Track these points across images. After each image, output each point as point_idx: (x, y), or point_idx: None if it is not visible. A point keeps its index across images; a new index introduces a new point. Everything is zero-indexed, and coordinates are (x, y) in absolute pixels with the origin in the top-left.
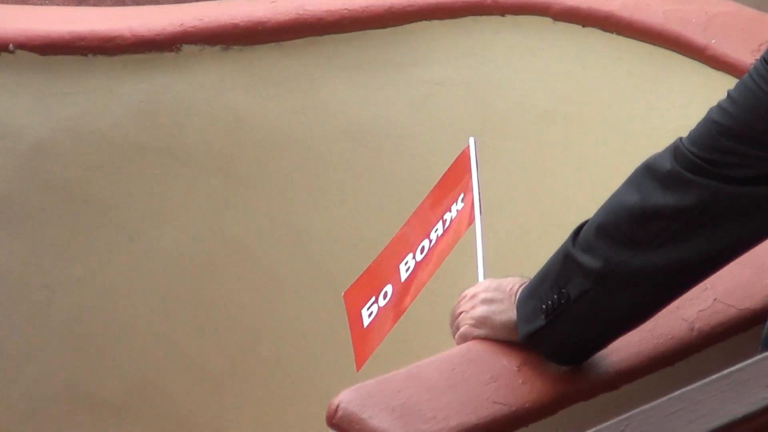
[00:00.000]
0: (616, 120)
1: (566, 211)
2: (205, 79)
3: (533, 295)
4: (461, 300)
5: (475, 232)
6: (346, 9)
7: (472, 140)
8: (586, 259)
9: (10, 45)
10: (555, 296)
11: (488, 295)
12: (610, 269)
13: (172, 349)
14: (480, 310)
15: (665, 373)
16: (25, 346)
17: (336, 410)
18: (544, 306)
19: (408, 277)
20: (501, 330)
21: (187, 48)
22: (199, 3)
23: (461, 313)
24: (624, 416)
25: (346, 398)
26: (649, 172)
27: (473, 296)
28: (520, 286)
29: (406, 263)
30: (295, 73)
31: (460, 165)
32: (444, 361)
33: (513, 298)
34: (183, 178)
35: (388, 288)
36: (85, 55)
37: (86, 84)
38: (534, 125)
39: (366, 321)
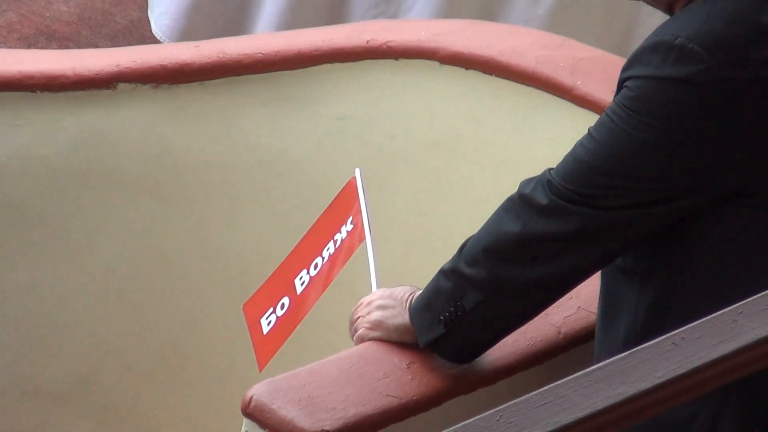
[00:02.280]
0: (493, 151)
1: (449, 230)
2: (138, 113)
3: (429, 308)
4: (358, 306)
5: (367, 248)
6: (260, 53)
7: (357, 171)
8: (478, 276)
9: None
10: (451, 308)
11: (382, 302)
12: (501, 283)
13: (108, 347)
14: (375, 315)
15: (535, 371)
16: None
17: (249, 401)
18: (441, 317)
19: (303, 290)
20: (393, 332)
21: (122, 86)
22: (133, 47)
23: (359, 318)
24: (499, 408)
25: (258, 391)
26: (526, 203)
27: (369, 303)
28: (410, 295)
29: (301, 278)
30: (215, 108)
31: (348, 192)
32: (343, 360)
33: (404, 304)
34: (118, 199)
35: (285, 300)
36: (34, 91)
37: (35, 117)
38: (422, 154)
39: (265, 329)
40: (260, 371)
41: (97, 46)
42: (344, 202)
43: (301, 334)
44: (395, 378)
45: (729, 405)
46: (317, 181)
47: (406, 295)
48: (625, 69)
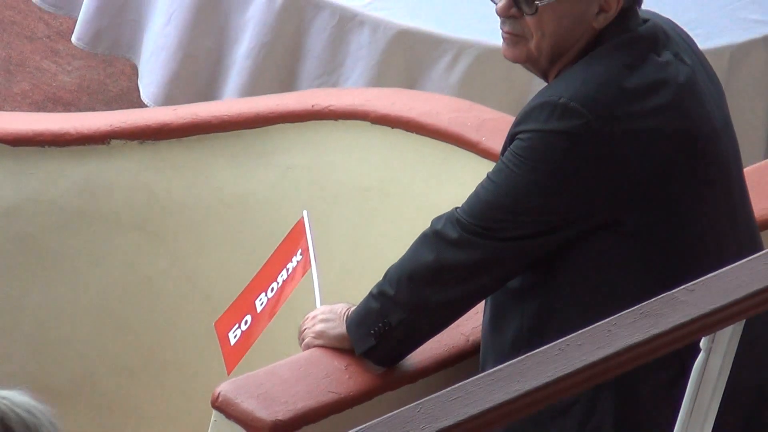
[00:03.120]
0: (414, 194)
1: (378, 258)
2: (128, 164)
3: (362, 323)
4: (305, 320)
5: (312, 274)
6: (226, 115)
7: (305, 213)
8: (401, 298)
9: None
10: (380, 324)
11: (324, 316)
12: (420, 304)
13: (102, 353)
14: (319, 327)
15: (449, 372)
16: (1, 344)
17: (218, 397)
18: (372, 331)
19: (262, 309)
20: (334, 340)
21: (114, 142)
22: (123, 110)
23: (305, 329)
24: (419, 402)
25: (224, 388)
26: (439, 237)
27: (314, 317)
28: (347, 310)
29: (260, 299)
30: (190, 160)
31: (298, 230)
32: (293, 363)
33: (342, 318)
34: (112, 234)
35: (248, 317)
36: (43, 146)
37: (44, 167)
38: (357, 197)
39: (232, 341)
40: (228, 374)
41: (94, 110)
42: (294, 238)
43: (260, 343)
44: (335, 377)
45: (602, 391)
46: (273, 218)
47: (344, 310)
48: (516, 124)
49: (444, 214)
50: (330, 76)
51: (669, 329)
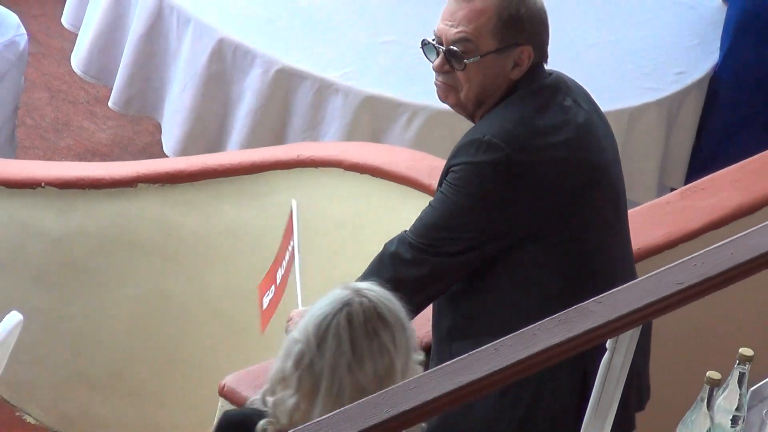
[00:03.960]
0: (378, 226)
1: (350, 277)
2: (151, 203)
3: None
4: (290, 318)
5: (295, 273)
6: (229, 163)
7: (294, 203)
8: None
9: (42, 183)
10: None
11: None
12: None
13: (130, 352)
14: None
15: None
16: (51, 346)
17: (223, 387)
18: None
19: (280, 281)
20: None
21: (140, 185)
22: (148, 160)
23: (290, 324)
24: (383, 390)
25: (229, 380)
26: (395, 258)
27: (299, 314)
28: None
29: (279, 273)
30: (201, 199)
31: (289, 224)
32: None
33: None
34: (136, 258)
35: (273, 287)
36: (84, 189)
37: (85, 205)
38: (333, 229)
39: (264, 305)
40: (262, 332)
41: (124, 160)
42: (288, 232)
43: (257, 342)
44: None
45: (545, 385)
46: (266, 246)
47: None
48: (450, 159)
49: (395, 237)
50: (311, 132)
51: (582, 333)
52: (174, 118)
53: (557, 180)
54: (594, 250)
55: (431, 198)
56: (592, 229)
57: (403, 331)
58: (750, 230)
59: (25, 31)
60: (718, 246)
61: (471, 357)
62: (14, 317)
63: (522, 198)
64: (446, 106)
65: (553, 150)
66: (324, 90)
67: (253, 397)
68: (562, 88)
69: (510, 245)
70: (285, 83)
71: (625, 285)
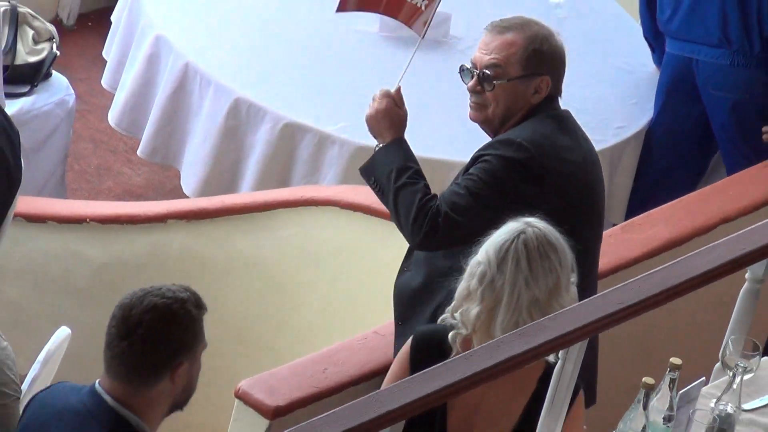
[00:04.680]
0: (369, 254)
1: (348, 297)
2: (178, 236)
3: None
4: (384, 95)
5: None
6: (243, 203)
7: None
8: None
9: (87, 219)
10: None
11: (389, 116)
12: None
13: None
14: (379, 108)
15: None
16: (93, 356)
17: (239, 390)
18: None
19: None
20: (374, 128)
21: (170, 221)
22: (176, 200)
23: (375, 101)
24: (374, 393)
25: (243, 384)
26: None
27: (379, 102)
28: (394, 136)
29: None
30: (220, 233)
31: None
32: (290, 367)
33: (383, 135)
34: (168, 282)
35: None
36: (123, 224)
37: (123, 238)
38: (331, 254)
39: None
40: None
41: (156, 200)
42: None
43: (267, 354)
44: (316, 377)
45: None
46: (277, 273)
47: (393, 137)
48: (481, 150)
49: (437, 203)
50: (312, 176)
51: (539, 344)
52: (195, 164)
53: (566, 190)
54: (591, 257)
55: None
56: (585, 236)
57: (565, 254)
58: (679, 259)
59: (73, 92)
60: (653, 272)
61: (446, 365)
62: (63, 331)
63: (533, 193)
64: (425, 155)
65: (567, 165)
66: (323, 141)
67: (443, 315)
68: (572, 121)
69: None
70: (290, 136)
71: (573, 305)
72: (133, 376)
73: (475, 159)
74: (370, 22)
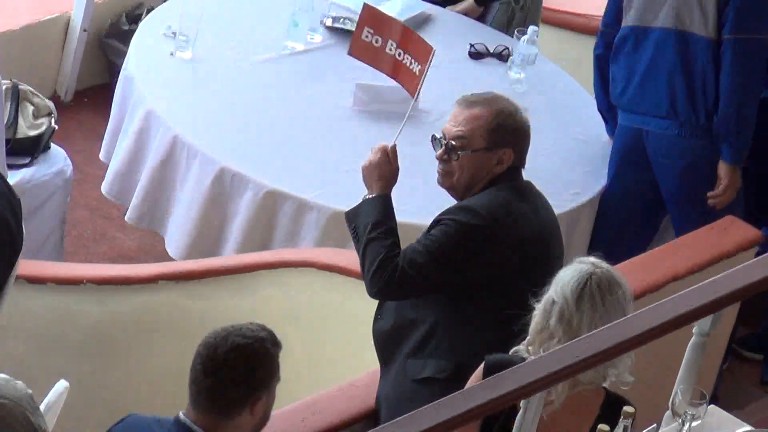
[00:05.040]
0: (345, 311)
1: (327, 350)
2: (169, 295)
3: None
4: (378, 150)
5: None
6: (228, 265)
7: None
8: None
9: (84, 280)
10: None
11: (379, 170)
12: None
13: (154, 410)
14: (372, 163)
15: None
16: (90, 407)
17: None
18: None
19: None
20: (366, 180)
21: (161, 281)
22: (166, 263)
23: (371, 158)
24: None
25: None
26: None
27: (371, 162)
28: (380, 191)
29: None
30: (207, 293)
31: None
32: (280, 414)
33: (372, 190)
34: (158, 336)
35: (379, 38)
36: (117, 285)
37: (119, 297)
38: (310, 315)
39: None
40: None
41: (148, 262)
42: (420, 50)
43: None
44: (295, 428)
45: None
46: (274, 319)
47: (379, 192)
48: (442, 214)
49: (400, 256)
50: (292, 240)
51: (502, 395)
52: (182, 229)
53: (519, 253)
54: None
55: None
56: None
57: (627, 288)
58: (630, 315)
59: (70, 163)
60: (609, 326)
61: (417, 413)
62: (62, 384)
63: (487, 257)
64: (404, 220)
65: (521, 231)
66: (301, 207)
67: (516, 347)
68: (533, 192)
69: (465, 289)
70: (271, 202)
71: (535, 358)
72: (217, 409)
73: (437, 222)
74: (344, 96)
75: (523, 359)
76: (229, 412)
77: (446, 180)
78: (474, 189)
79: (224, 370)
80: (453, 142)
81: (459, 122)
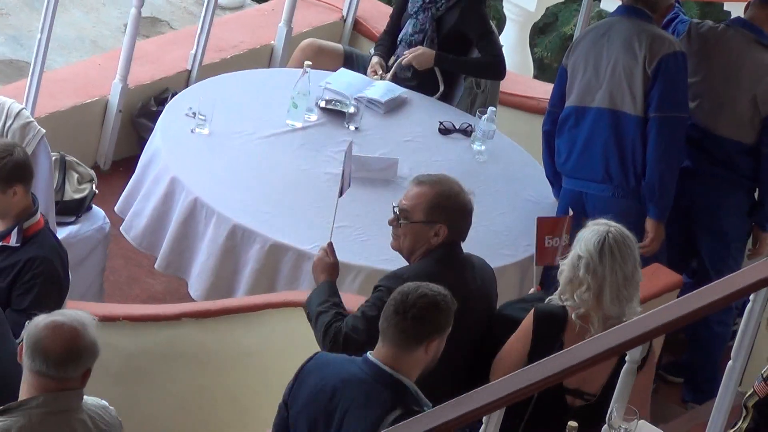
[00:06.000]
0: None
1: None
2: (190, 331)
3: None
4: (320, 253)
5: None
6: (240, 305)
7: (350, 143)
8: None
9: (120, 317)
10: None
11: (318, 259)
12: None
13: (179, 427)
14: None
15: None
16: (125, 426)
17: None
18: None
19: None
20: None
21: (184, 319)
22: (188, 303)
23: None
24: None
25: None
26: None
27: (324, 256)
28: (328, 282)
29: None
30: (222, 327)
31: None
32: None
33: (318, 279)
34: (182, 367)
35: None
36: (147, 322)
37: (147, 331)
38: (309, 345)
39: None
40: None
41: (173, 303)
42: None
43: (265, 420)
44: None
45: None
46: (267, 356)
47: (326, 285)
48: (379, 280)
49: (341, 323)
50: (293, 284)
51: (468, 411)
52: (201, 275)
53: None
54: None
55: None
56: (464, 352)
57: (635, 243)
58: (568, 348)
59: (108, 221)
60: (556, 355)
61: (399, 427)
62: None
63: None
64: (379, 266)
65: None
66: (300, 257)
67: (550, 296)
68: (467, 264)
69: None
70: (275, 253)
71: (497, 381)
72: (399, 342)
73: (375, 288)
74: (335, 165)
75: (563, 307)
76: (409, 346)
77: (395, 242)
78: (415, 255)
79: (411, 311)
80: (399, 213)
81: (408, 197)
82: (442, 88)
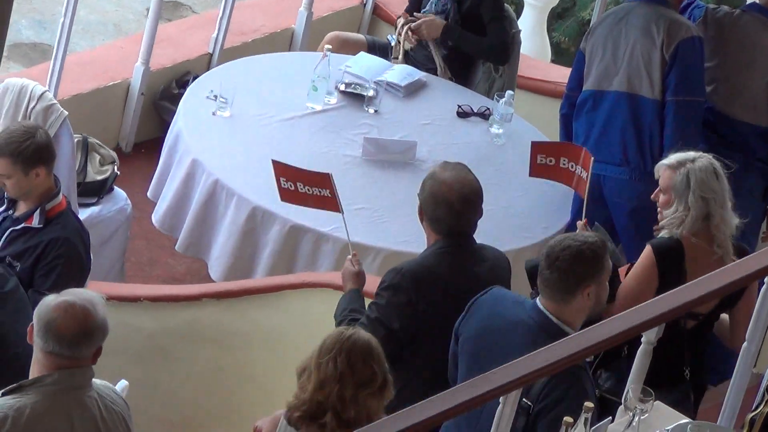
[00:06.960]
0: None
1: None
2: (211, 310)
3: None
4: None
5: (344, 222)
6: (259, 285)
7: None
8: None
9: (141, 298)
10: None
11: (345, 269)
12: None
13: (200, 410)
14: (346, 272)
15: None
16: (147, 402)
17: (256, 427)
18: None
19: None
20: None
21: (204, 299)
22: (208, 283)
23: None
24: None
25: (259, 423)
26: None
27: (347, 261)
28: (351, 287)
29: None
30: (241, 308)
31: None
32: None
33: (348, 291)
34: (202, 346)
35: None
36: (168, 302)
37: (168, 312)
38: (326, 326)
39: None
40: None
41: (193, 283)
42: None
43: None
44: None
45: None
46: (283, 335)
47: (352, 292)
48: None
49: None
50: (311, 266)
51: (485, 392)
52: (222, 257)
53: (433, 312)
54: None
55: None
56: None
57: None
58: (588, 329)
59: (130, 202)
60: (570, 338)
61: (409, 410)
62: (122, 383)
63: (410, 310)
64: (397, 248)
65: (435, 289)
66: (320, 239)
67: (658, 233)
68: (476, 256)
69: (402, 341)
70: (294, 235)
71: (508, 364)
72: (555, 295)
73: (379, 284)
74: (355, 148)
75: (674, 239)
76: (564, 298)
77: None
78: (429, 241)
79: (557, 263)
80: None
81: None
82: (440, 71)
